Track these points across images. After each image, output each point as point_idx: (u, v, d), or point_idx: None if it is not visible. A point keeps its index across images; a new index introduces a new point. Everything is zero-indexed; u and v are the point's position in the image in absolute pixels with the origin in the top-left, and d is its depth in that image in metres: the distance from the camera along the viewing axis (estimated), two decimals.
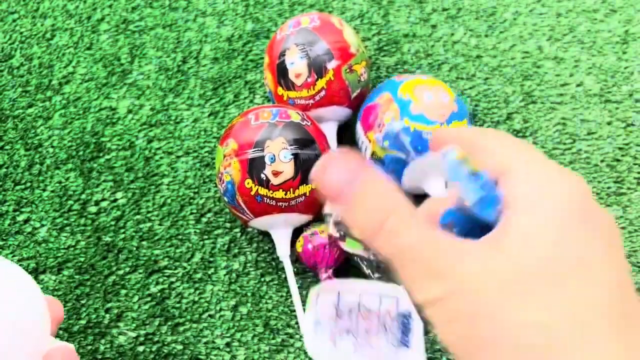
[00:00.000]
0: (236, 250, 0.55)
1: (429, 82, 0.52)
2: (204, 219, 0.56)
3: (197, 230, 0.56)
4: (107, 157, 0.60)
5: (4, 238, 0.56)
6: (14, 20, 0.69)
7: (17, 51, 0.67)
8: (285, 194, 0.48)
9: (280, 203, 0.48)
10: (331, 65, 0.53)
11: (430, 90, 0.50)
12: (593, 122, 0.59)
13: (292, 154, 0.48)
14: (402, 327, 0.38)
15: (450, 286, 0.19)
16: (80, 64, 0.66)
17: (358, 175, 0.20)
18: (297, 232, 0.52)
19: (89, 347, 0.51)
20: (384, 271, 0.49)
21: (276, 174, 0.47)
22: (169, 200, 0.57)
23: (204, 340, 0.51)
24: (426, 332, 0.46)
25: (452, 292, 0.19)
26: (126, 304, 0.53)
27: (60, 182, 0.59)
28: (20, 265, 0.55)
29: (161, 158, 0.60)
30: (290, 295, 0.52)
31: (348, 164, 0.21)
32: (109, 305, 0.53)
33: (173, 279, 0.54)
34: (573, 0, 0.67)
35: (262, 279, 0.53)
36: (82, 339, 0.51)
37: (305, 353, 0.49)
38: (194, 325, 0.51)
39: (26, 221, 0.57)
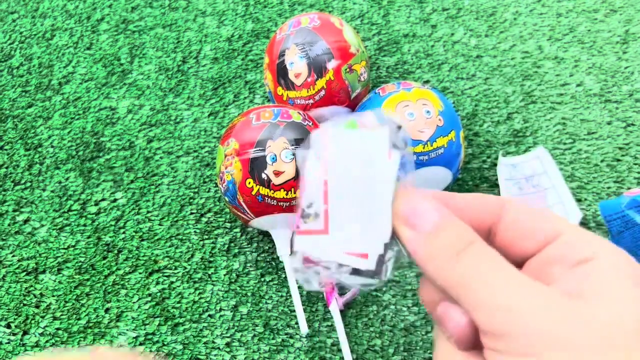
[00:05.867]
0: (236, 250, 0.55)
1: (412, 96, 0.50)
2: (204, 219, 0.56)
3: (197, 230, 0.56)
4: (107, 157, 0.60)
5: (4, 238, 0.56)
6: (13, 20, 0.69)
7: (16, 51, 0.67)
8: (287, 194, 0.48)
9: (282, 203, 0.48)
10: (331, 65, 0.53)
11: (414, 105, 0.50)
12: (593, 122, 0.59)
13: (294, 154, 0.48)
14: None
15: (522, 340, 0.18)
16: (80, 64, 0.66)
17: (439, 207, 0.21)
18: None
19: (89, 347, 0.51)
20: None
21: (277, 173, 0.47)
22: (169, 200, 0.57)
23: (204, 340, 0.50)
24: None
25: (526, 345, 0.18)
26: (126, 304, 0.52)
27: (60, 182, 0.59)
28: (20, 265, 0.55)
29: (161, 158, 0.60)
30: (290, 295, 0.52)
31: (429, 197, 0.21)
32: (108, 305, 0.53)
33: (173, 279, 0.53)
34: (573, 0, 0.67)
35: (262, 279, 0.53)
36: (81, 339, 0.51)
37: (305, 353, 0.49)
38: (194, 325, 0.51)
39: (26, 221, 0.57)
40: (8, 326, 0.52)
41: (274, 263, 0.54)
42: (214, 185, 0.58)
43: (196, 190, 0.58)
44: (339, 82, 0.54)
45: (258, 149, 0.48)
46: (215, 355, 0.50)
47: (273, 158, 0.47)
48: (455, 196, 0.23)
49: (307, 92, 0.54)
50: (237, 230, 0.56)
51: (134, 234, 0.56)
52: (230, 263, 0.54)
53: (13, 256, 0.55)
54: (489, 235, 0.22)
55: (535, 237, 0.21)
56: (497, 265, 0.19)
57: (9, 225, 0.57)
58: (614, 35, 0.64)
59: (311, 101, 0.54)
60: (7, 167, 0.60)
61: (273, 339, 0.50)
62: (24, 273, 0.55)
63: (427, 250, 0.20)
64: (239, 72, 0.64)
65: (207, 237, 0.55)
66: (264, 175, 0.47)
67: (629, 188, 0.56)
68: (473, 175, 0.57)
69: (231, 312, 0.52)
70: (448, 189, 0.55)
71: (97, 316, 0.52)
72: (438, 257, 0.20)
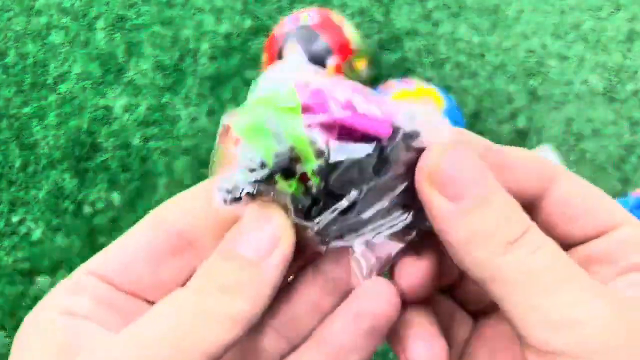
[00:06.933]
0: None
1: (415, 94, 0.50)
2: None
3: None
4: (102, 157, 0.59)
5: None
6: (9, 19, 0.68)
7: (11, 49, 0.66)
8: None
9: None
10: (331, 62, 0.52)
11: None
12: (598, 121, 0.59)
13: None
14: None
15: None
16: (75, 63, 0.65)
17: (486, 175, 0.15)
18: None
19: None
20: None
21: None
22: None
23: None
24: None
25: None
26: None
27: (55, 183, 0.58)
28: (14, 266, 0.54)
29: (158, 158, 0.59)
30: None
31: (474, 155, 0.16)
32: None
33: None
34: None
35: None
36: None
37: None
38: None
39: (21, 222, 0.56)
40: (3, 329, 0.51)
41: None
42: None
43: None
44: None
45: None
46: None
47: None
48: (502, 151, 0.17)
49: None
50: None
51: None
52: None
53: (8, 257, 0.55)
54: (529, 209, 0.17)
55: (585, 222, 0.17)
56: (561, 264, 0.15)
57: (4, 226, 0.56)
58: (619, 33, 0.64)
59: None
60: (2, 167, 0.59)
61: None
62: (19, 275, 0.54)
63: (467, 232, 0.15)
64: (237, 70, 0.63)
65: None
66: None
67: (635, 188, 0.55)
68: None
69: None
70: None
71: None
72: (481, 243, 0.15)
